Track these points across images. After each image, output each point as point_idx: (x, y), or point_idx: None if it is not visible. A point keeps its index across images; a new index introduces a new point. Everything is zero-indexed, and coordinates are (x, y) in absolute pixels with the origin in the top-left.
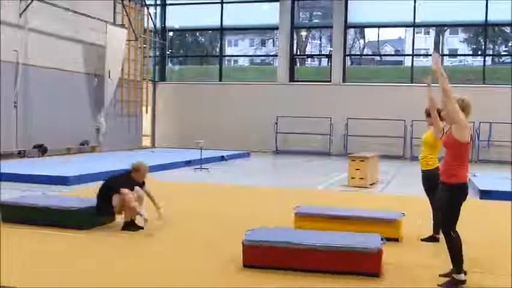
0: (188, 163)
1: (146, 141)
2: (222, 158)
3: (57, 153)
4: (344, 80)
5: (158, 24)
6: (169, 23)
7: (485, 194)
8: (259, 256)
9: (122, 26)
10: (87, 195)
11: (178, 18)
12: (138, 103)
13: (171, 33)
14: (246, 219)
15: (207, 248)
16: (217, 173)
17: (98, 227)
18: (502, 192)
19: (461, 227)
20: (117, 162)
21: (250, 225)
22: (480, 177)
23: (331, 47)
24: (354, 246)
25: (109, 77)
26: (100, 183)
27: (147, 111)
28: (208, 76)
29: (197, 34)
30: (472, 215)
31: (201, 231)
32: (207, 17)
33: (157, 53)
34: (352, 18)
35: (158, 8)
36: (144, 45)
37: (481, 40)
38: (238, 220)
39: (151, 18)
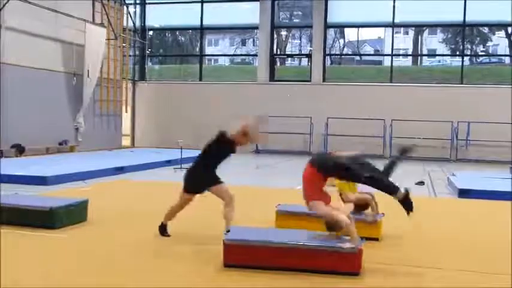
0: (168, 162)
1: (126, 141)
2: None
3: (35, 153)
4: (324, 80)
5: (138, 24)
6: (149, 22)
7: (463, 193)
8: (240, 255)
9: (101, 25)
10: (66, 195)
11: (158, 17)
12: (118, 102)
13: (150, 33)
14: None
15: (187, 248)
16: None
17: (69, 226)
18: (480, 191)
19: (443, 225)
20: (96, 161)
21: (231, 224)
22: (458, 176)
23: (311, 46)
24: (334, 245)
25: (88, 76)
26: (79, 183)
27: (126, 111)
28: (189, 75)
29: (177, 33)
30: (452, 214)
31: (181, 230)
32: (187, 16)
33: (137, 52)
34: (332, 18)
35: (138, 7)
36: (124, 45)
37: (459, 40)
38: (219, 220)
39: (131, 17)
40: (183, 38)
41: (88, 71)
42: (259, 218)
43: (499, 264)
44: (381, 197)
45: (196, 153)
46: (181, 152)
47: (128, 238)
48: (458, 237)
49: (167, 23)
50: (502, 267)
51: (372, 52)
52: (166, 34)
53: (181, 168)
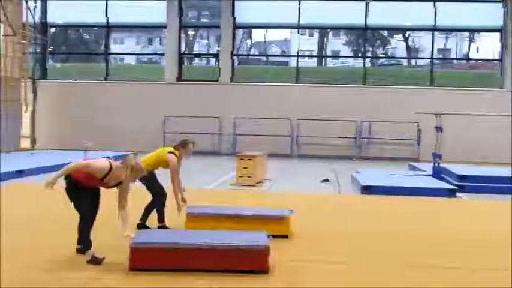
0: None
1: (26, 143)
2: (108, 159)
3: None
4: (232, 80)
5: (38, 19)
6: (51, 19)
7: (366, 189)
8: (147, 258)
9: None
10: None
11: (61, 13)
12: (16, 102)
13: (52, 29)
14: (135, 222)
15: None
16: None
17: None
18: (381, 187)
19: (348, 221)
20: None
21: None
22: (361, 173)
23: (218, 46)
24: (240, 244)
25: None
26: None
27: (26, 111)
28: (93, 74)
29: (81, 31)
30: (355, 210)
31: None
32: (92, 13)
33: (38, 50)
34: (239, 19)
35: (38, 2)
36: (23, 41)
37: (361, 43)
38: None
39: (31, 13)
40: (87, 36)
41: None
42: (170, 220)
43: (405, 257)
44: (288, 195)
45: (102, 154)
46: (85, 154)
47: (24, 245)
48: (362, 233)
49: (71, 20)
50: (410, 260)
51: (279, 53)
52: (70, 31)
53: None
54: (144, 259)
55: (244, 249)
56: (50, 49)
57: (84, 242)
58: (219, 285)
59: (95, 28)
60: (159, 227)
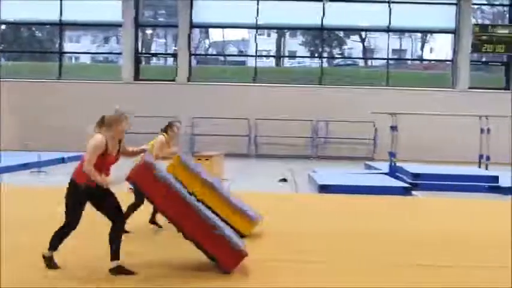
0: (24, 166)
1: None
2: (63, 160)
3: None
4: (189, 80)
5: None
6: (1, 16)
7: (323, 189)
8: (150, 182)
9: None
10: None
11: (12, 10)
12: None
13: (3, 27)
14: (91, 221)
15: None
16: (57, 175)
17: None
18: (338, 186)
19: (305, 220)
20: None
21: (98, 226)
22: (318, 172)
23: (176, 46)
24: (231, 237)
25: None
26: None
27: None
28: (47, 73)
29: (33, 28)
30: (312, 209)
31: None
32: (45, 10)
33: None
34: (197, 18)
35: None
36: None
37: (318, 43)
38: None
39: None
40: (40, 34)
41: None
42: (131, 222)
43: (372, 255)
44: (247, 195)
45: (55, 155)
46: (38, 155)
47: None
48: (326, 232)
49: (23, 17)
50: (377, 258)
51: (237, 53)
52: (22, 29)
53: (39, 172)
54: (147, 179)
55: (230, 243)
56: (0, 47)
57: (53, 245)
58: (195, 284)
59: (48, 26)
60: (151, 222)
